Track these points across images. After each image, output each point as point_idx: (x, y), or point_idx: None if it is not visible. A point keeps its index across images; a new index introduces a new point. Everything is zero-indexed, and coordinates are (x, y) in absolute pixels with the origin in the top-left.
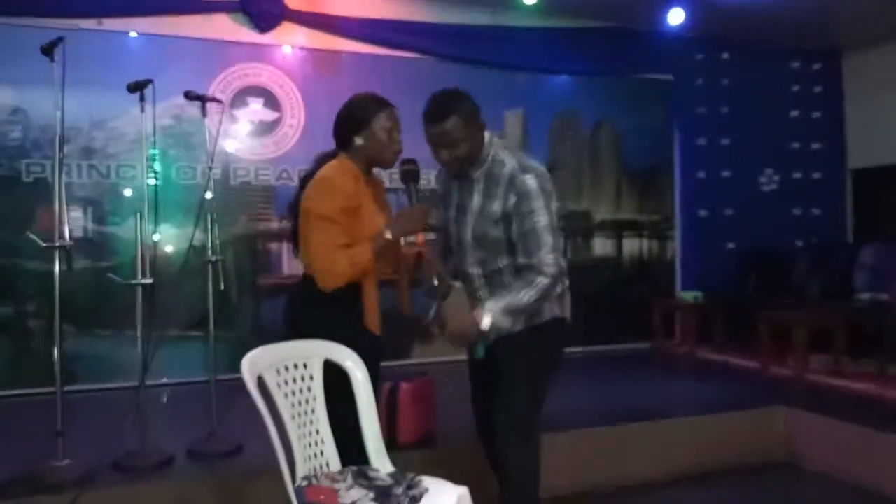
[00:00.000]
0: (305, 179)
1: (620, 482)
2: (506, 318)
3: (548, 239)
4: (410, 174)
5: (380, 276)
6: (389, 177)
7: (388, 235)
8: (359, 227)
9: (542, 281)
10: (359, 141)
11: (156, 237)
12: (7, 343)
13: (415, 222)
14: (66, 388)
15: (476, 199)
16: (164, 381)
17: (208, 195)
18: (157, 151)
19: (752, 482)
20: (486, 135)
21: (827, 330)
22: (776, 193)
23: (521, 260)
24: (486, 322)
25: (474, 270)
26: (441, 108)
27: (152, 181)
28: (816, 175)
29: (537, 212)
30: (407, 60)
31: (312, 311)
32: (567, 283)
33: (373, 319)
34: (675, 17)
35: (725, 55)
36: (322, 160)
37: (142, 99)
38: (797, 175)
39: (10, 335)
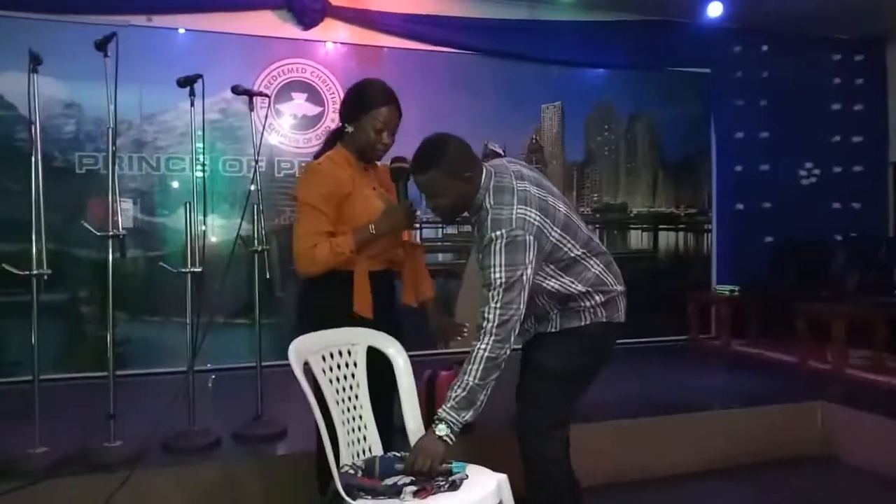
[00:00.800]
0: (316, 157)
1: (656, 473)
2: (461, 411)
3: (495, 296)
4: (399, 172)
5: (374, 265)
6: None
7: (373, 230)
8: (351, 212)
9: (479, 348)
10: (349, 129)
11: (204, 227)
12: (62, 329)
13: (400, 219)
14: (118, 373)
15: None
16: (212, 366)
17: (253, 187)
18: (204, 145)
19: (789, 476)
20: (483, 178)
21: (866, 324)
22: (815, 187)
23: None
24: (441, 431)
25: None
26: (421, 160)
27: (200, 173)
28: (857, 168)
29: (494, 269)
30: (446, 55)
31: (309, 300)
32: (619, 287)
33: (364, 305)
34: (714, 9)
35: (764, 47)
36: (328, 142)
37: (191, 94)
38: (837, 169)
39: (65, 321)
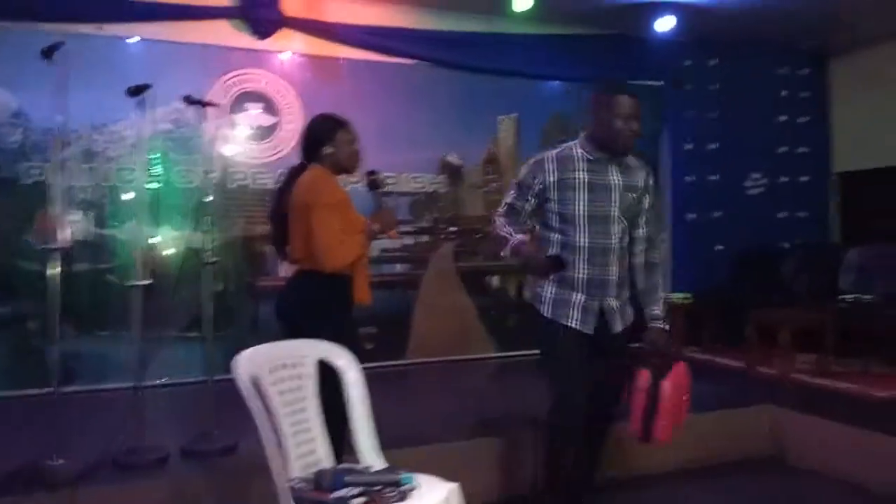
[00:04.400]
0: (282, 191)
1: (618, 475)
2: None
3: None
4: (377, 182)
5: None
6: None
7: (375, 228)
8: (348, 218)
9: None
10: (327, 150)
11: (154, 239)
12: (7, 344)
13: (392, 220)
14: (65, 389)
15: (619, 178)
16: (163, 380)
17: (207, 198)
18: (158, 155)
19: (739, 479)
20: None
21: (814, 329)
22: (763, 196)
23: (643, 232)
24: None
25: (614, 242)
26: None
27: (152, 185)
28: (803, 178)
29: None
30: (404, 67)
31: (309, 300)
32: None
33: (365, 294)
34: (665, 23)
35: (714, 61)
36: (294, 172)
37: (141, 103)
38: (784, 178)
39: (10, 336)
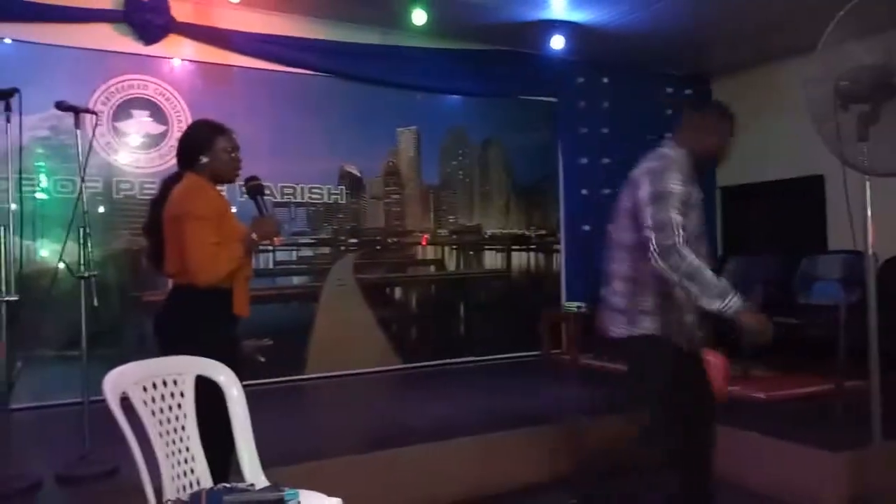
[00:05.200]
0: (156, 203)
1: (508, 486)
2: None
3: None
4: (256, 188)
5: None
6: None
7: (255, 237)
8: (225, 229)
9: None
10: (204, 159)
11: (26, 251)
12: None
13: (273, 227)
14: None
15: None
16: (36, 403)
17: (84, 210)
18: (21, 165)
19: (627, 482)
20: None
21: None
22: None
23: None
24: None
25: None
26: None
27: (26, 195)
28: None
29: None
30: (299, 77)
31: (185, 316)
32: None
33: (244, 306)
34: (557, 42)
35: (605, 79)
36: (169, 182)
37: (7, 109)
38: None
39: None
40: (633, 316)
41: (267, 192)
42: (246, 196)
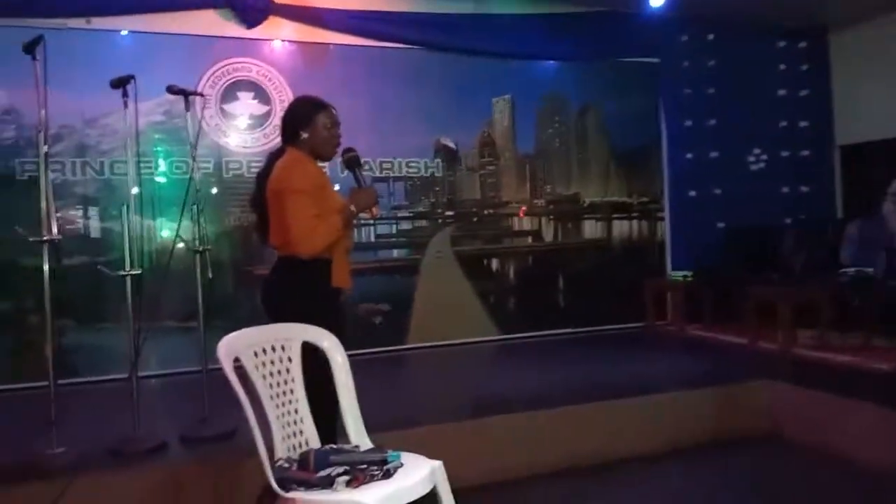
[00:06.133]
0: (262, 176)
1: (612, 456)
2: None
3: None
4: (354, 160)
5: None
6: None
7: (353, 208)
8: (325, 202)
9: None
10: (304, 135)
11: (147, 229)
12: (6, 338)
13: (371, 198)
14: (63, 381)
15: None
16: (160, 371)
17: (198, 188)
18: (139, 147)
19: (737, 454)
20: None
21: (813, 304)
22: (764, 172)
23: None
24: None
25: None
26: None
27: (145, 176)
28: (804, 153)
29: None
30: (394, 51)
31: (289, 285)
32: None
33: (345, 278)
34: (658, 0)
35: (711, 36)
36: (274, 156)
37: (124, 95)
38: (785, 153)
39: (9, 330)
40: None
41: (366, 166)
42: (346, 171)
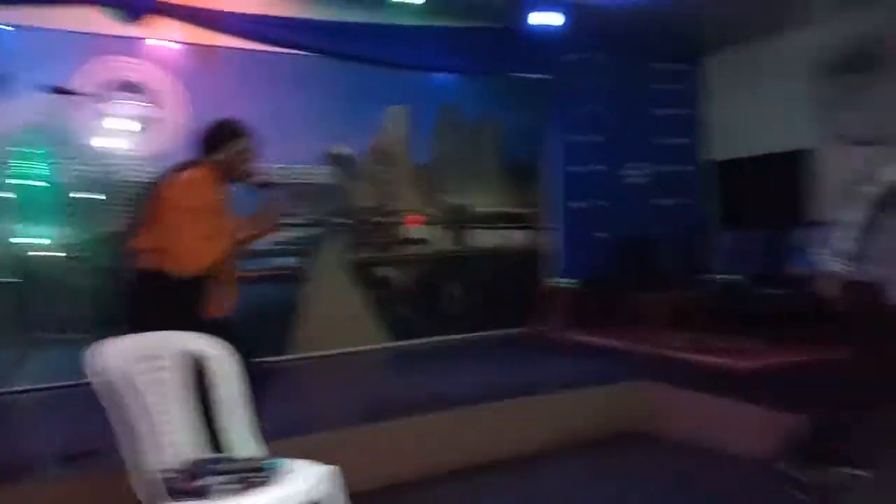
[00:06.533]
0: (160, 180)
1: (503, 455)
2: None
3: None
4: (262, 184)
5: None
6: None
7: (249, 232)
8: (219, 223)
9: None
10: (220, 155)
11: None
12: None
13: (269, 223)
14: None
15: None
16: (37, 385)
17: (77, 193)
18: (33, 150)
19: (618, 451)
20: None
21: (687, 309)
22: (646, 185)
23: None
24: None
25: None
26: None
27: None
28: (682, 168)
29: None
30: (287, 56)
31: (153, 303)
32: None
33: (217, 306)
34: (549, 18)
35: (598, 56)
36: (182, 166)
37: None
38: (665, 168)
39: None
40: None
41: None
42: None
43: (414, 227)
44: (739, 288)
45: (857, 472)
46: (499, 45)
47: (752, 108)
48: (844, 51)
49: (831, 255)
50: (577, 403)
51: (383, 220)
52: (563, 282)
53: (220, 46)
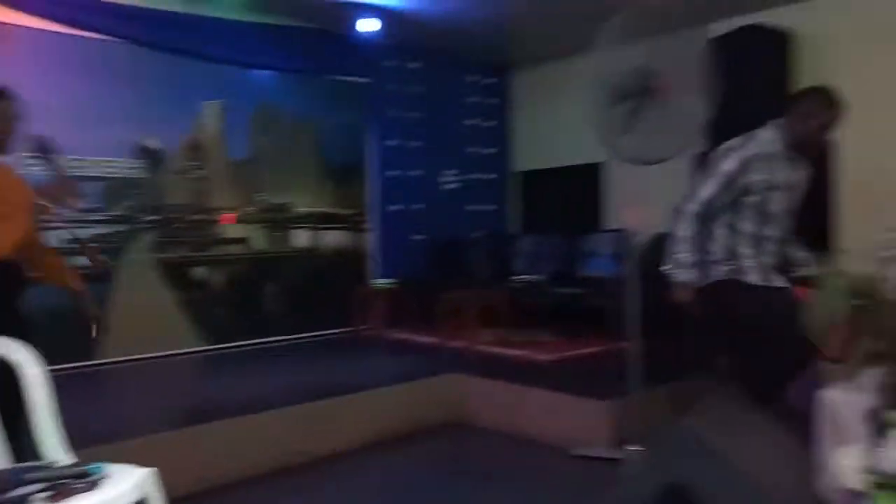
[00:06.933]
0: None
1: (324, 452)
2: None
3: None
4: (44, 147)
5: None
6: None
7: (46, 203)
8: (8, 199)
9: None
10: None
11: None
12: None
13: (65, 190)
14: None
15: (799, 177)
16: None
17: None
18: None
19: (430, 442)
20: None
21: (494, 307)
22: (458, 191)
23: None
24: None
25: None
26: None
27: None
28: (490, 176)
29: None
30: (96, 42)
31: None
32: None
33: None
34: (369, 24)
35: (415, 64)
36: None
37: None
38: (474, 176)
39: None
40: None
41: (58, 152)
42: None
43: (232, 227)
44: (539, 287)
45: (636, 447)
46: (319, 46)
47: (553, 123)
48: (624, 78)
49: (673, 267)
50: (397, 399)
51: (198, 217)
52: (383, 282)
53: (18, 25)
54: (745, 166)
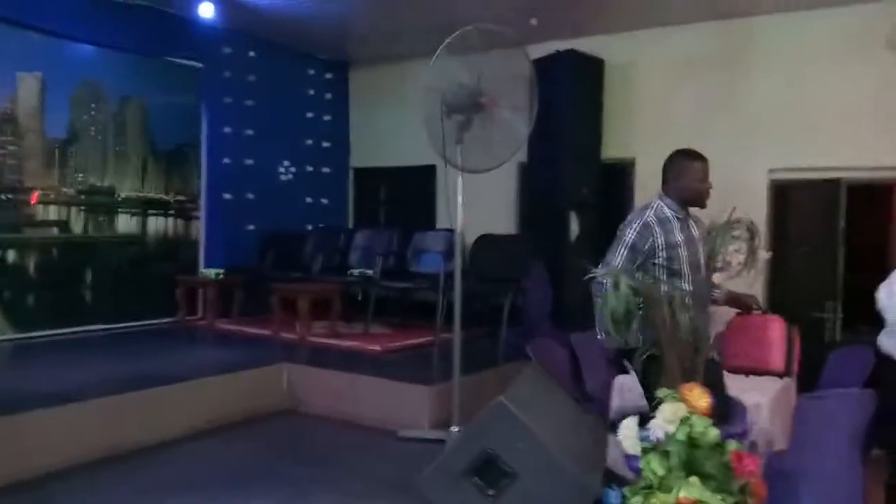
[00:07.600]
0: None
1: (152, 441)
2: None
3: None
4: None
5: None
6: None
7: None
8: None
9: None
10: None
11: None
12: None
13: None
14: None
15: (697, 233)
16: None
17: None
18: None
19: (262, 429)
20: None
21: (327, 299)
22: (292, 182)
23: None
24: None
25: (705, 289)
26: None
27: None
28: (325, 169)
29: None
30: None
31: None
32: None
33: None
34: (205, 10)
35: (252, 53)
36: None
37: None
38: (310, 168)
39: None
40: None
41: None
42: None
43: (47, 208)
44: (371, 281)
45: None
46: (151, 25)
47: (390, 123)
48: (456, 93)
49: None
50: (226, 388)
51: (7, 197)
52: (212, 271)
53: None
54: (645, 231)
